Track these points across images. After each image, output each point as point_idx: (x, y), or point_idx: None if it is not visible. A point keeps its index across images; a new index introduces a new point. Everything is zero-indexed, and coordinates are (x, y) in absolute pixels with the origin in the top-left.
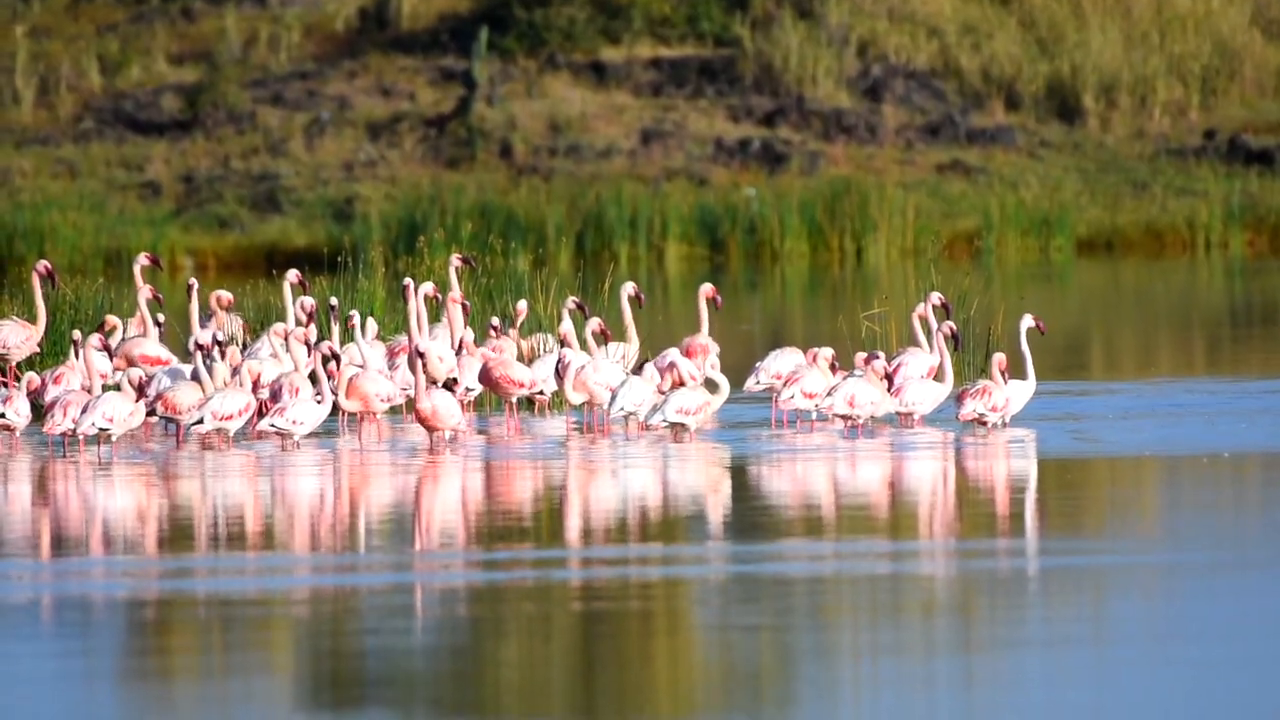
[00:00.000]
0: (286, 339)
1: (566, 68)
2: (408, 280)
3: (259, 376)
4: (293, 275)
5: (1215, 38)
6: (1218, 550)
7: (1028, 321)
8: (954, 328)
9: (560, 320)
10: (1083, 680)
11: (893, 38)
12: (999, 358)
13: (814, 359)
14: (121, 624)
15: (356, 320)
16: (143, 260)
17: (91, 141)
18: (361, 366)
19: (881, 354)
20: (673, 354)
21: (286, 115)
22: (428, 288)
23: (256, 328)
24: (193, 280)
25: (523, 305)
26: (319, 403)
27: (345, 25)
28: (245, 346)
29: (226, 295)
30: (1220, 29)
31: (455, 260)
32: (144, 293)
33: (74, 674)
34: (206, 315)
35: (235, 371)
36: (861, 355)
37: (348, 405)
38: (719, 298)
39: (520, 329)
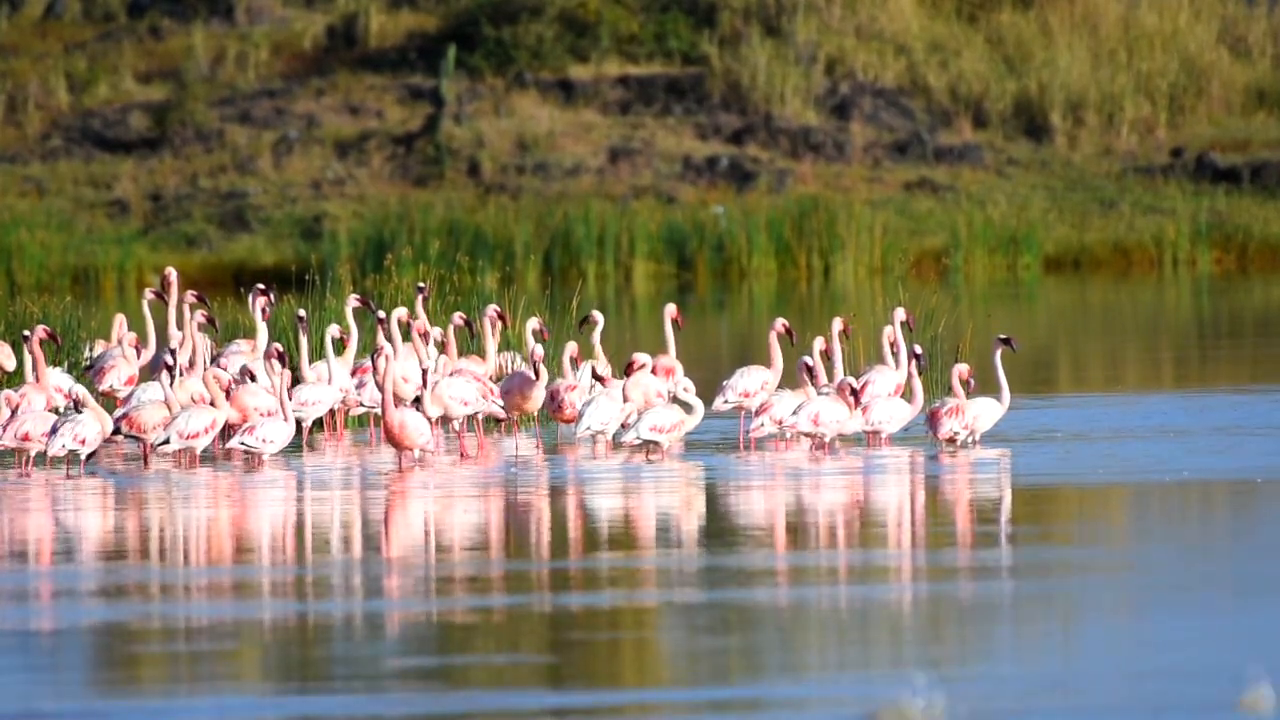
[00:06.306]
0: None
1: (534, 86)
2: (382, 314)
3: (229, 385)
4: (259, 293)
5: (1183, 56)
6: (1186, 574)
7: (999, 342)
8: (918, 350)
9: (526, 341)
10: (1052, 693)
11: (860, 56)
12: (960, 368)
13: (823, 350)
14: (81, 647)
15: (337, 335)
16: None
17: (59, 159)
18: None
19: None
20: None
21: (254, 133)
22: (401, 313)
23: (224, 346)
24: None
25: (492, 309)
26: (285, 421)
27: (313, 43)
28: (214, 362)
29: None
30: (1188, 47)
31: (417, 292)
32: (119, 332)
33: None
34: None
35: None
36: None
37: (230, 417)
38: (681, 318)
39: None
